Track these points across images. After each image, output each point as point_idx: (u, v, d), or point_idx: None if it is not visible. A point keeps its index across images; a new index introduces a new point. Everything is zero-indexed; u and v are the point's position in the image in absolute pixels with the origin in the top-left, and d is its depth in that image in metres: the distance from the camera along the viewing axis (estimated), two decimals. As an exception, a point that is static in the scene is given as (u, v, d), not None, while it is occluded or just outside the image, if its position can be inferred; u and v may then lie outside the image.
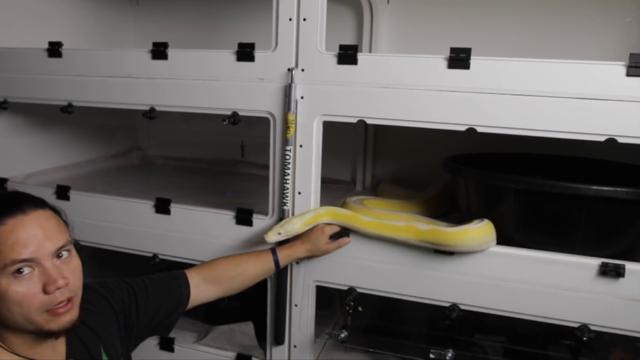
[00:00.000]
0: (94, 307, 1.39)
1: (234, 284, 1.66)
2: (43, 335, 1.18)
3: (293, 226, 1.70)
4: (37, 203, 1.21)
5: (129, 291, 1.48)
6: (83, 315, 1.33)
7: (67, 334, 1.21)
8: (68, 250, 1.20)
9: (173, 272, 1.61)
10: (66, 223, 1.27)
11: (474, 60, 1.52)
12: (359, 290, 1.77)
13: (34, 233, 1.15)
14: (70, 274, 1.18)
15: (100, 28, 2.75)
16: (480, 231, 1.59)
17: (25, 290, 1.12)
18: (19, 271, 1.12)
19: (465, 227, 1.60)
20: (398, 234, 1.66)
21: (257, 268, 1.68)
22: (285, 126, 1.71)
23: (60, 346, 1.27)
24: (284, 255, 1.71)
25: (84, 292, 1.39)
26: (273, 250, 1.71)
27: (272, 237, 1.69)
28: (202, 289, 1.60)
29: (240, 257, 1.70)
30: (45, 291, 1.13)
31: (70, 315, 1.18)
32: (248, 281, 1.68)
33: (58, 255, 1.18)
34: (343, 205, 1.88)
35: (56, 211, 1.26)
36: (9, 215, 1.14)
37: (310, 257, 1.78)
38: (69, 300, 1.17)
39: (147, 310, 1.49)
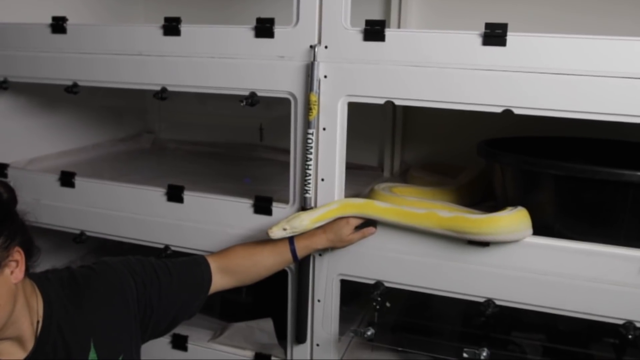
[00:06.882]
0: (100, 295, 1.45)
1: (248, 275, 1.72)
2: None
3: (301, 222, 1.69)
4: None
5: (152, 273, 1.54)
6: (85, 303, 1.41)
7: None
8: None
9: (195, 257, 1.69)
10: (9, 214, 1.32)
11: (510, 37, 1.53)
12: (386, 284, 1.78)
13: None
14: None
15: (108, 2, 2.77)
16: (512, 219, 1.60)
17: None
18: None
19: (494, 215, 1.61)
20: (417, 222, 1.66)
21: (272, 258, 1.72)
22: (307, 107, 1.72)
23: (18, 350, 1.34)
24: (302, 246, 1.72)
25: (91, 278, 1.45)
26: (291, 240, 1.72)
27: (277, 232, 1.67)
28: (217, 278, 1.66)
29: (256, 246, 1.74)
30: None
31: None
32: (263, 272, 1.73)
33: None
34: (371, 192, 1.90)
35: None
36: None
37: (332, 249, 1.79)
38: None
39: (170, 295, 1.56)
